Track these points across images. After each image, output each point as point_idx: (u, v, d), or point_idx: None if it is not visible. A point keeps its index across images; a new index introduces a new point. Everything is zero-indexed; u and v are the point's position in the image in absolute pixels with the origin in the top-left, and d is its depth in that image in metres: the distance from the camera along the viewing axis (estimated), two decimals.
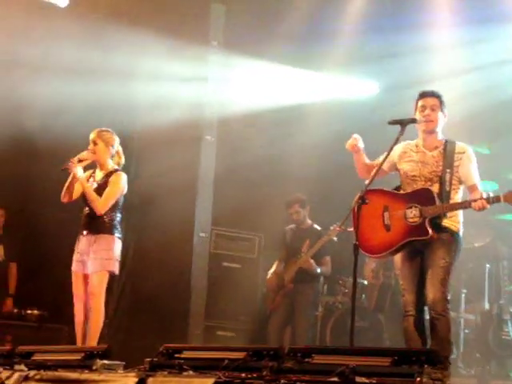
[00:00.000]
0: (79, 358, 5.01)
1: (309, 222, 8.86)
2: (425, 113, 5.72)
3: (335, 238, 8.51)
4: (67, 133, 8.07)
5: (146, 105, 9.17)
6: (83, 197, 6.79)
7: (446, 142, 5.76)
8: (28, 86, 8.71)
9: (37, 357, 5.34)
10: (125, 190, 6.84)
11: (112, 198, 6.72)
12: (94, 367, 4.80)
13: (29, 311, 9.66)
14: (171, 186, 9.08)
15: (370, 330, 8.94)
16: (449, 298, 5.55)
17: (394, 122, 5.59)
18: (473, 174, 5.69)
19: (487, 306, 8.92)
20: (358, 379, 3.69)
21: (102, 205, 6.65)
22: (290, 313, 8.68)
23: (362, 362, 3.88)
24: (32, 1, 8.93)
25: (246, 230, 9.84)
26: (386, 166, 5.80)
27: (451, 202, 5.59)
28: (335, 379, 3.74)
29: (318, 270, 8.62)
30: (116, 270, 6.69)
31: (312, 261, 8.55)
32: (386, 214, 5.70)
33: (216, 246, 9.63)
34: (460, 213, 5.67)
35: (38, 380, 4.77)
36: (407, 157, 5.82)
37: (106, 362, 4.86)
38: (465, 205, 5.55)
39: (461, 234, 5.68)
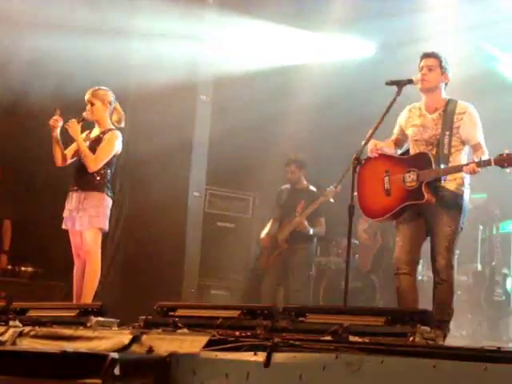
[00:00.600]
0: (74, 314, 5.04)
1: (304, 182, 8.88)
2: (422, 72, 5.72)
3: (332, 200, 8.53)
4: (60, 90, 8.01)
5: (140, 64, 9.10)
6: (77, 152, 6.75)
7: (448, 102, 5.73)
8: (18, 43, 8.61)
9: (31, 313, 5.37)
10: (119, 148, 6.80)
11: (105, 155, 6.68)
12: (89, 324, 4.83)
13: (23, 268, 9.69)
14: (165, 146, 9.05)
15: (363, 290, 8.99)
16: (453, 263, 5.60)
17: (391, 83, 5.60)
18: (474, 133, 5.66)
19: (479, 267, 8.98)
20: (351, 338, 3.73)
21: (94, 161, 6.61)
22: (283, 272, 8.73)
23: (356, 321, 3.92)
24: None
25: (240, 190, 9.84)
26: (400, 134, 5.83)
27: (450, 165, 5.59)
28: (328, 338, 3.77)
29: (311, 232, 8.65)
30: (105, 227, 6.66)
31: (306, 222, 8.57)
32: (387, 179, 5.72)
33: (210, 206, 9.64)
34: (465, 175, 5.65)
35: (32, 336, 4.78)
36: (411, 121, 5.84)
37: (100, 318, 4.89)
38: (457, 168, 5.55)
39: (465, 196, 5.68)
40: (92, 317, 4.89)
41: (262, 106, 9.82)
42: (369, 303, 8.76)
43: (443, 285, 5.53)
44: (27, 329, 4.87)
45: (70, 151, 6.84)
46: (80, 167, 6.71)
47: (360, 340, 3.69)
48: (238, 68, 9.57)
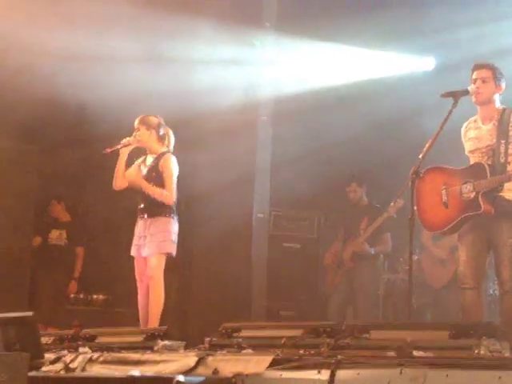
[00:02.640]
0: (141, 339, 5.11)
1: (366, 199, 8.85)
2: (475, 85, 5.67)
3: (395, 215, 8.46)
4: (122, 121, 8.14)
5: (200, 90, 9.19)
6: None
7: (503, 111, 5.68)
8: (81, 76, 8.79)
9: (100, 339, 5.46)
10: (177, 170, 6.88)
11: (172, 183, 6.78)
12: (156, 348, 4.89)
13: (95, 296, 9.88)
14: (228, 169, 9.12)
15: (433, 306, 8.87)
16: None
17: (447, 95, 5.57)
18: None
19: None
20: (415, 353, 3.69)
21: (168, 196, 6.72)
22: (349, 292, 8.68)
23: (420, 336, 3.88)
24: None
25: (305, 210, 9.83)
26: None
27: (508, 173, 5.52)
28: (392, 354, 3.74)
29: (373, 252, 8.60)
30: (173, 251, 6.74)
31: (365, 244, 8.54)
32: (444, 191, 5.69)
33: (275, 228, 9.65)
34: None
35: (101, 362, 4.86)
36: (468, 135, 5.82)
37: (166, 342, 4.94)
38: (510, 177, 5.46)
39: None
40: (159, 340, 4.95)
41: (324, 124, 9.82)
42: (440, 319, 8.63)
43: (508, 296, 5.43)
44: (96, 355, 4.96)
45: (130, 174, 6.94)
46: (144, 195, 6.82)
47: (424, 354, 3.66)
48: (297, 88, 9.59)
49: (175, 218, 6.78)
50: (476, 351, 3.57)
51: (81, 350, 5.27)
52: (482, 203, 5.46)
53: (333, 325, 4.30)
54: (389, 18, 9.45)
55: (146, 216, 6.76)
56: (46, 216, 9.90)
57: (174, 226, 6.76)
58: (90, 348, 5.25)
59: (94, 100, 8.78)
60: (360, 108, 9.82)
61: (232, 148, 9.14)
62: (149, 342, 5.01)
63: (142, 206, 6.81)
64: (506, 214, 5.52)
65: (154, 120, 6.93)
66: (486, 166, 5.52)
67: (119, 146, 6.86)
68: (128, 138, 6.88)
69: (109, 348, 5.08)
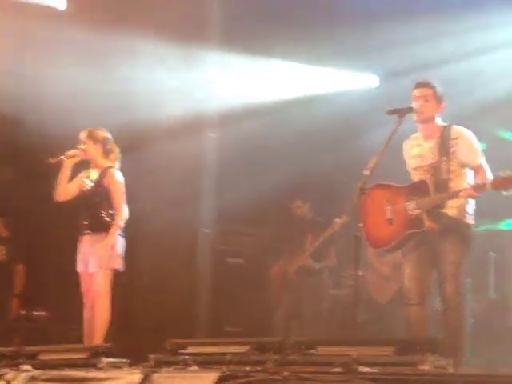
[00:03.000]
0: (85, 356, 5.04)
1: (310, 214, 8.91)
2: (417, 103, 5.73)
3: (339, 230, 8.52)
4: (66, 134, 8.07)
5: (146, 104, 9.16)
6: (81, 197, 6.81)
7: (443, 128, 5.76)
8: (22, 91, 8.70)
9: (42, 356, 5.37)
10: (123, 185, 6.84)
11: (121, 199, 6.74)
12: (100, 365, 4.83)
13: (36, 313, 9.71)
14: (173, 183, 9.09)
15: (379, 321, 8.92)
16: (462, 291, 5.57)
17: (392, 112, 5.62)
18: (472, 156, 5.65)
19: (493, 294, 8.91)
20: (361, 369, 3.71)
21: (122, 216, 6.68)
22: (294, 306, 8.70)
23: (366, 352, 3.90)
24: (30, 6, 8.90)
25: (249, 225, 9.84)
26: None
27: (450, 191, 5.59)
28: (339, 370, 3.75)
29: (317, 267, 8.65)
30: (119, 267, 6.71)
31: (310, 259, 8.58)
32: (389, 208, 5.74)
33: (220, 242, 9.64)
34: (469, 201, 5.64)
35: (44, 380, 4.79)
36: (410, 153, 5.88)
37: (111, 359, 4.89)
38: (454, 194, 5.54)
39: (469, 221, 5.67)
40: (103, 358, 4.89)
41: (268, 139, 9.86)
42: (386, 334, 8.68)
43: (452, 312, 5.50)
44: (38, 373, 4.88)
45: (73, 187, 6.86)
46: (88, 210, 6.77)
47: (370, 371, 3.68)
48: (243, 103, 9.61)
49: (121, 233, 6.73)
50: (421, 367, 3.60)
51: (22, 367, 5.17)
52: (425, 220, 5.52)
53: (279, 341, 4.30)
54: (333, 35, 9.53)
55: (90, 232, 6.70)
56: None
57: (121, 242, 6.73)
58: (32, 366, 5.16)
59: (31, 112, 8.69)
60: (304, 125, 9.87)
61: (178, 164, 9.13)
62: (93, 359, 4.95)
63: (87, 222, 6.75)
64: (449, 231, 5.58)
65: (101, 134, 6.90)
66: (429, 184, 5.58)
67: (64, 157, 6.79)
68: (74, 150, 6.83)
69: (51, 366, 5.00)
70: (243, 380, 3.79)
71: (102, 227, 6.70)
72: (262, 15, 9.49)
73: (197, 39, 9.37)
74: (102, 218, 6.69)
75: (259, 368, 4.01)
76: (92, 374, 4.63)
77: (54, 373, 4.80)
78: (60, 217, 8.51)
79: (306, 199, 8.92)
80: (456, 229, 5.60)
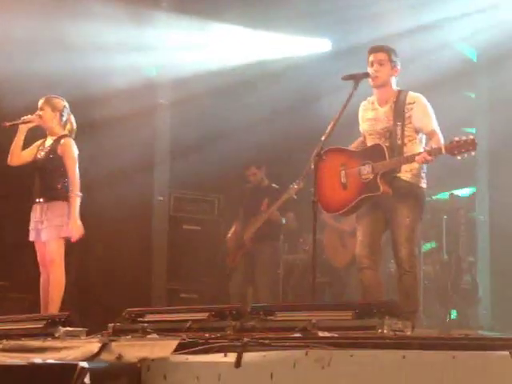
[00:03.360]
0: (41, 326, 5.00)
1: (266, 181, 8.91)
2: (373, 68, 5.74)
3: (295, 196, 8.53)
4: (16, 103, 7.94)
5: (97, 73, 9.04)
6: (35, 165, 6.73)
7: (399, 93, 5.77)
8: None
9: None
10: (77, 154, 6.78)
11: (75, 168, 6.68)
12: (57, 334, 4.78)
13: None
14: (128, 151, 9.03)
15: (332, 285, 9.01)
16: (416, 254, 5.63)
17: (347, 78, 5.63)
18: (426, 121, 5.70)
19: (445, 256, 9.04)
20: (320, 334, 3.74)
21: (77, 186, 6.60)
22: (250, 272, 8.73)
23: (324, 316, 3.93)
24: None
25: (204, 192, 9.82)
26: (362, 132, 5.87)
27: (405, 155, 5.63)
28: (298, 335, 3.77)
29: (283, 221, 8.67)
30: (71, 235, 6.64)
31: (277, 212, 8.59)
32: (343, 173, 5.76)
33: (175, 209, 9.61)
34: (422, 165, 5.69)
35: (0, 350, 4.74)
36: (365, 115, 5.89)
37: (68, 328, 4.85)
38: (409, 159, 5.58)
39: (423, 185, 5.72)
40: (60, 327, 4.85)
41: (221, 106, 9.82)
42: (339, 298, 8.78)
43: (407, 275, 5.56)
44: None
45: (27, 153, 6.79)
46: (41, 178, 6.69)
47: (329, 335, 3.70)
48: (195, 70, 9.53)
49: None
50: (379, 330, 3.63)
51: None
52: (380, 184, 5.56)
53: (238, 307, 4.30)
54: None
55: (42, 200, 6.63)
56: None
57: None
58: None
59: None
60: (257, 91, 9.85)
61: (131, 132, 9.06)
62: (50, 328, 4.90)
63: (39, 190, 6.68)
64: (403, 195, 5.63)
65: (59, 102, 6.83)
66: (385, 148, 5.61)
67: (19, 122, 6.72)
68: (30, 116, 6.74)
69: (8, 335, 4.94)
70: (203, 347, 3.78)
71: (53, 196, 6.64)
72: None
73: (147, 2, 9.27)
74: (55, 186, 6.62)
75: (218, 335, 4.01)
76: (49, 342, 4.58)
77: (11, 342, 4.75)
78: (12, 183, 8.41)
79: (260, 166, 8.91)
80: (410, 193, 5.65)
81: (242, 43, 10.12)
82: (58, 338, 4.75)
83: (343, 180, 5.76)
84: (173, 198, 9.57)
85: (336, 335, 3.67)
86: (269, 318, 4.14)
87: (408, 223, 5.59)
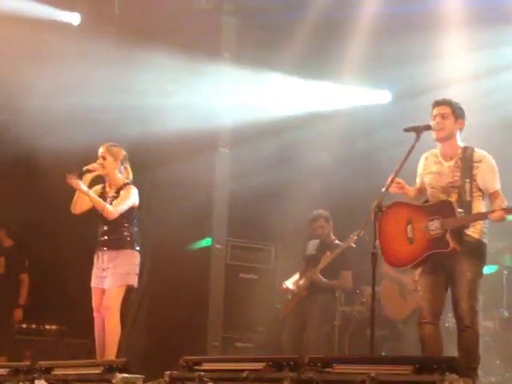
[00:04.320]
0: (99, 371, 5.02)
1: (332, 237, 8.83)
2: (435, 121, 5.71)
3: (353, 245, 8.46)
4: (81, 146, 8.10)
5: (160, 119, 9.19)
6: (100, 214, 6.80)
7: (464, 149, 5.72)
8: (43, 105, 8.76)
9: (57, 371, 5.36)
10: (136, 201, 6.84)
11: (122, 204, 6.73)
12: (114, 381, 4.81)
13: (47, 326, 9.69)
14: (186, 199, 9.10)
15: (390, 339, 8.87)
16: (477, 309, 5.53)
17: (409, 129, 5.59)
18: (492, 181, 5.64)
19: (506, 312, 8.87)
20: None
21: (112, 210, 6.67)
22: (303, 322, 8.64)
23: (383, 370, 3.86)
24: (45, 21, 8.97)
25: (261, 241, 9.82)
26: (421, 183, 5.86)
27: (473, 211, 5.56)
28: None
29: (325, 281, 8.56)
30: (135, 283, 6.71)
31: (319, 274, 8.52)
32: (409, 227, 5.69)
33: (232, 258, 9.61)
34: (484, 223, 5.62)
35: None
36: (428, 168, 5.83)
37: (125, 375, 4.86)
38: (483, 216, 5.52)
39: (485, 241, 5.65)
40: (117, 373, 4.87)
41: (281, 155, 9.87)
42: (396, 352, 8.62)
43: (467, 331, 5.45)
44: None
45: (86, 204, 6.87)
46: (106, 226, 6.76)
47: None
48: (256, 119, 9.61)
49: (138, 249, 6.74)
50: None
51: (37, 382, 5.17)
52: (449, 241, 5.48)
53: (295, 358, 4.26)
54: (346, 51, 9.57)
55: (109, 248, 6.70)
56: None
57: (138, 259, 6.74)
58: (47, 381, 5.17)
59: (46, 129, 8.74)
60: (317, 140, 9.89)
61: (190, 178, 9.13)
62: (107, 374, 4.93)
63: (105, 238, 6.75)
64: (468, 251, 5.55)
65: (120, 151, 6.91)
66: (454, 204, 5.55)
67: (86, 171, 6.79)
68: (94, 164, 6.82)
69: (66, 381, 5.00)
70: None
71: (120, 244, 6.70)
72: (274, 30, 9.54)
73: (209, 54, 9.40)
74: (121, 235, 6.68)
75: None
76: None
77: None
78: (70, 229, 8.54)
79: (328, 219, 8.83)
80: (474, 248, 5.57)
81: (303, 94, 10.18)
82: None
83: (409, 234, 5.69)
84: (230, 246, 9.59)
85: None
86: (326, 369, 4.10)
87: (469, 277, 5.50)
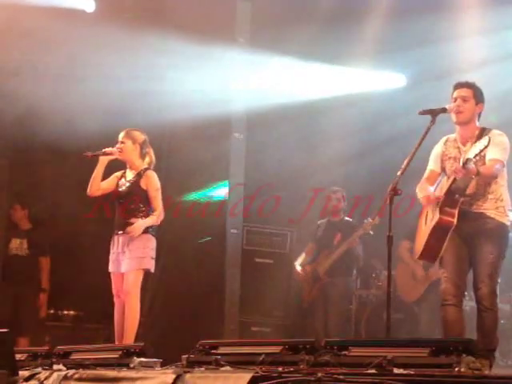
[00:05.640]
0: (117, 356, 5.06)
1: (342, 214, 8.88)
2: (456, 103, 5.67)
3: (371, 232, 8.50)
4: (95, 135, 8.12)
5: (174, 104, 9.19)
6: (117, 197, 6.82)
7: (481, 131, 5.67)
8: (56, 92, 8.79)
9: (75, 356, 5.41)
10: (158, 185, 6.86)
11: (159, 202, 6.76)
12: (132, 365, 4.85)
13: (65, 312, 9.74)
14: (202, 184, 9.12)
15: (406, 321, 8.88)
16: (497, 292, 5.53)
17: (424, 112, 5.58)
18: (493, 153, 5.48)
19: None
20: (395, 370, 3.69)
21: (158, 216, 6.72)
22: (324, 306, 8.69)
23: (400, 353, 3.87)
24: (58, 8, 8.98)
25: (277, 226, 9.84)
26: (435, 168, 5.82)
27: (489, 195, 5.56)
28: (373, 371, 3.74)
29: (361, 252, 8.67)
30: (151, 267, 6.70)
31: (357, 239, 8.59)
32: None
33: (248, 242, 9.63)
34: (508, 202, 5.60)
35: (76, 379, 4.82)
36: (447, 154, 5.78)
37: (143, 359, 4.90)
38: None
39: (507, 223, 5.62)
40: (135, 357, 4.91)
41: (296, 140, 9.87)
42: (412, 335, 8.64)
43: (487, 313, 5.45)
44: (71, 372, 4.92)
45: (107, 184, 6.90)
46: (123, 210, 6.77)
47: (405, 372, 3.66)
48: (270, 104, 9.60)
49: (154, 233, 6.75)
50: (456, 369, 3.58)
51: (55, 367, 5.22)
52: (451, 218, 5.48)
53: (312, 341, 4.28)
54: (358, 35, 9.54)
55: (123, 232, 6.70)
56: (7, 222, 9.56)
57: (153, 243, 6.74)
58: (65, 365, 5.20)
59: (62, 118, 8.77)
60: (334, 122, 9.87)
61: (205, 163, 9.15)
62: (125, 358, 4.96)
63: (121, 222, 6.76)
64: (488, 231, 5.53)
65: (140, 136, 6.90)
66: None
67: (100, 153, 6.81)
68: (111, 148, 6.84)
69: (84, 365, 5.03)
70: (277, 380, 3.78)
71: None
72: (288, 14, 9.51)
73: (222, 38, 9.39)
74: (137, 219, 6.69)
75: (292, 369, 4.00)
76: (124, 373, 4.65)
77: (87, 372, 4.83)
78: (89, 212, 8.56)
79: (345, 198, 8.89)
80: (495, 229, 5.55)
81: (317, 78, 10.15)
82: (132, 368, 4.80)
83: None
84: (245, 231, 9.61)
85: (412, 372, 3.63)
86: (343, 353, 4.11)
87: (491, 260, 5.49)
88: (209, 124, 9.23)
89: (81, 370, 4.87)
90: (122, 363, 4.92)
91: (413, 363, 3.74)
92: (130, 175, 6.87)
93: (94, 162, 6.91)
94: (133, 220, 6.66)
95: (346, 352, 4.12)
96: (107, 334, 8.48)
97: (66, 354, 5.46)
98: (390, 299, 5.26)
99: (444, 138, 5.84)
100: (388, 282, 5.28)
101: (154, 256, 6.74)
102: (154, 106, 9.05)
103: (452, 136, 5.82)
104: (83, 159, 6.92)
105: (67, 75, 8.91)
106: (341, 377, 3.65)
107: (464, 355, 3.63)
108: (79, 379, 4.79)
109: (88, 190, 6.87)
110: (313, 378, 3.66)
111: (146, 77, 9.00)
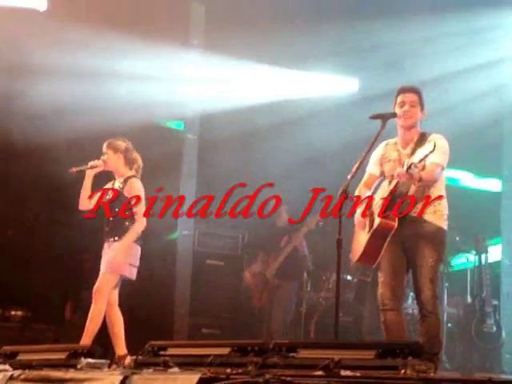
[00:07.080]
0: (63, 357, 5.01)
1: (285, 218, 8.98)
2: (404, 108, 5.70)
3: (314, 227, 8.61)
4: (52, 135, 8.06)
5: (128, 105, 9.15)
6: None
7: (420, 135, 5.72)
8: (12, 90, 8.70)
9: (21, 356, 5.34)
10: (143, 194, 6.80)
11: (142, 211, 6.70)
12: (79, 366, 4.80)
13: (12, 312, 9.62)
14: (154, 184, 9.07)
15: (355, 324, 8.96)
16: (438, 295, 5.59)
17: (375, 117, 5.61)
18: (433, 156, 5.49)
19: (469, 299, 8.99)
20: (342, 372, 3.72)
21: (141, 224, 6.67)
22: (273, 308, 8.75)
23: (347, 355, 3.90)
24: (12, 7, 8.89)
25: (229, 228, 9.84)
26: (374, 172, 5.84)
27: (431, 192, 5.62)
28: (320, 373, 3.76)
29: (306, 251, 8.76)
30: (129, 274, 6.68)
31: (303, 241, 8.68)
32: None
33: (199, 244, 9.63)
34: (445, 206, 5.66)
35: (23, 380, 4.76)
36: (387, 156, 5.82)
37: (90, 360, 4.87)
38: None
39: (445, 227, 5.68)
40: (82, 358, 4.87)
41: (247, 142, 9.90)
42: (361, 337, 8.72)
43: (430, 317, 5.50)
44: (17, 372, 4.85)
45: (97, 197, 6.86)
46: (109, 217, 6.74)
47: (351, 374, 3.69)
48: (223, 106, 9.62)
49: (139, 242, 6.71)
50: (402, 371, 3.61)
51: (1, 367, 5.14)
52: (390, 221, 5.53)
53: (260, 343, 4.29)
54: (314, 38, 9.60)
55: (109, 238, 6.69)
56: None
57: (136, 251, 6.70)
58: (11, 365, 5.13)
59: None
60: (285, 128, 9.92)
61: (159, 165, 9.11)
62: (72, 359, 4.92)
63: (108, 229, 6.74)
64: (426, 235, 5.58)
65: (121, 144, 6.87)
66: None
67: (85, 167, 6.78)
68: (96, 161, 6.80)
69: (30, 366, 4.97)
70: (224, 382, 3.78)
71: (120, 234, 6.67)
72: (242, 17, 9.53)
73: (176, 41, 9.38)
74: (121, 226, 6.65)
75: (240, 370, 4.01)
76: (71, 374, 4.60)
77: (34, 373, 4.77)
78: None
79: (281, 204, 8.98)
80: (433, 233, 5.60)
81: (270, 81, 10.20)
82: (80, 369, 4.76)
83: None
84: (197, 232, 9.60)
85: (358, 374, 3.66)
86: (291, 354, 4.13)
87: (431, 264, 5.53)
88: (162, 126, 9.21)
89: (27, 371, 4.81)
90: (69, 364, 4.87)
91: (360, 365, 3.77)
92: (117, 184, 6.86)
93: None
94: (118, 231, 6.64)
95: (294, 354, 4.14)
96: (56, 335, 8.41)
97: (13, 355, 5.38)
98: (339, 302, 5.29)
99: (384, 142, 5.87)
100: (337, 284, 5.31)
101: (137, 264, 6.70)
102: (106, 107, 8.99)
103: (392, 140, 5.86)
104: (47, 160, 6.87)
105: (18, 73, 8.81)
106: (288, 379, 3.66)
107: (410, 358, 3.67)
108: (25, 380, 4.74)
109: (79, 205, 6.84)
110: (261, 380, 3.67)
111: (99, 77, 8.93)
